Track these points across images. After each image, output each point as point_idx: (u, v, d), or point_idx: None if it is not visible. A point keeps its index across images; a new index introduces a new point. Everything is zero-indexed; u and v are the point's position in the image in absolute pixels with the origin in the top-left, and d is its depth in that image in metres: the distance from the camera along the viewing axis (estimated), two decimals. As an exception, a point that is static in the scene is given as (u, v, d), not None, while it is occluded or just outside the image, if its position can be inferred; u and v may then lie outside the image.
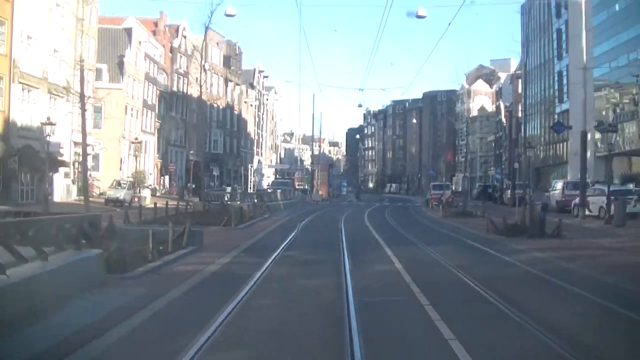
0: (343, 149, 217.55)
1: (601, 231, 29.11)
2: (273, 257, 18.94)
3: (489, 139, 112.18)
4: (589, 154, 50.29)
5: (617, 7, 55.69)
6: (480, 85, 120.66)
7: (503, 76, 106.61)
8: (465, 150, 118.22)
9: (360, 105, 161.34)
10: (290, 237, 25.57)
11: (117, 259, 13.92)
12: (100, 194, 54.32)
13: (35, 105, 46.75)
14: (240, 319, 10.75)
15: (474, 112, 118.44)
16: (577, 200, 39.32)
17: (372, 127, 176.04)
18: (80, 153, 47.10)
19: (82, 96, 37.10)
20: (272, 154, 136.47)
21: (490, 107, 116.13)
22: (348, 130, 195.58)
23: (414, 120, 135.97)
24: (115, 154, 61.66)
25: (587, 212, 37.29)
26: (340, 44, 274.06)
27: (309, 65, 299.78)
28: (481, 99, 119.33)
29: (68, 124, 51.53)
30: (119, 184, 52.49)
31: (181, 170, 77.59)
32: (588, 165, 47.95)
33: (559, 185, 48.53)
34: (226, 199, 47.63)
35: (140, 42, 66.22)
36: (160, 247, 17.73)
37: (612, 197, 33.69)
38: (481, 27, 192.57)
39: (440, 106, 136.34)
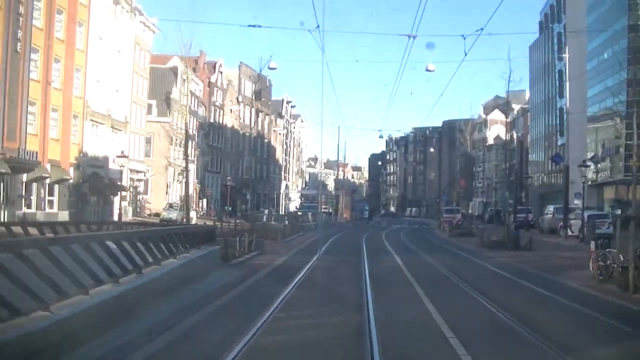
0: (365, 173, 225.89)
1: (569, 247, 37.03)
2: (315, 257, 27.62)
3: (504, 166, 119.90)
4: (582, 182, 58.09)
5: (605, 55, 64.18)
6: (497, 115, 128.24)
7: (517, 107, 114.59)
8: (482, 176, 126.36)
9: (381, 136, 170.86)
10: (325, 247, 34.00)
11: (224, 253, 22.57)
12: (152, 214, 62.80)
13: (101, 138, 55.50)
14: (305, 281, 19.30)
15: (490, 141, 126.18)
16: (562, 223, 47.56)
17: (394, 154, 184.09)
18: (134, 178, 55.75)
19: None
20: (297, 178, 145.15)
21: (505, 136, 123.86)
22: (371, 155, 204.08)
23: (432, 149, 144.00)
24: (162, 180, 70.28)
25: (569, 233, 45.39)
26: (362, 75, 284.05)
27: (332, 95, 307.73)
28: (497, 128, 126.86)
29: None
30: (171, 206, 61.24)
31: (217, 194, 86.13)
32: (582, 193, 55.80)
33: (550, 210, 56.72)
34: (264, 219, 55.95)
35: (184, 80, 75.09)
36: (240, 249, 26.41)
37: (586, 221, 41.81)
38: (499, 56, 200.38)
39: (459, 134, 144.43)
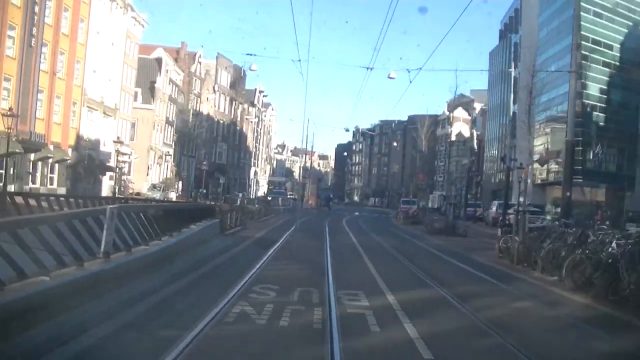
0: (332, 162, 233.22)
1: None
2: (287, 233, 35.01)
3: (464, 162, 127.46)
4: (529, 181, 65.71)
5: (552, 67, 72.16)
6: (460, 112, 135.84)
7: (479, 106, 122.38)
8: (443, 171, 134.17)
9: (347, 130, 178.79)
10: (294, 226, 41.12)
11: (221, 226, 29.90)
12: (134, 193, 69.49)
13: (94, 123, 62.26)
14: (281, 250, 26.51)
15: (453, 137, 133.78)
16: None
17: (360, 145, 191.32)
18: (119, 160, 62.77)
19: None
20: (266, 164, 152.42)
21: (467, 134, 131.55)
22: (337, 145, 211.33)
23: (395, 144, 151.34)
24: (144, 162, 77.02)
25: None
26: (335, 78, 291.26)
27: (302, 84, 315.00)
28: (459, 126, 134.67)
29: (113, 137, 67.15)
30: (154, 187, 68.19)
31: (191, 177, 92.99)
32: (528, 191, 63.37)
33: (494, 205, 64.48)
34: (238, 202, 63.01)
35: (167, 70, 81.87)
36: (230, 224, 33.77)
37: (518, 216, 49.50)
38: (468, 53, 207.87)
39: (414, 133, 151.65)
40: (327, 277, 17.84)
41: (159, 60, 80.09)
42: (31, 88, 48.95)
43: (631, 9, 75.49)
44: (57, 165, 54.69)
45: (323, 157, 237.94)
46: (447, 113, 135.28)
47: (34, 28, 48.55)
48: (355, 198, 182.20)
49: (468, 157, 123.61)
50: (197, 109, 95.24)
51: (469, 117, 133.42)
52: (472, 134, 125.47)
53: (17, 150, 44.91)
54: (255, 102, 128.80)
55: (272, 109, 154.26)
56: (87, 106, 60.11)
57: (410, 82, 39.41)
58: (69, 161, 56.17)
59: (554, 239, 22.15)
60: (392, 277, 18.85)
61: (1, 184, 38.27)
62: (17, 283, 9.12)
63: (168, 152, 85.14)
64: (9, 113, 36.77)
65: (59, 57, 54.11)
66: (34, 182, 51.02)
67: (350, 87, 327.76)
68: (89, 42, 59.01)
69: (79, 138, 58.57)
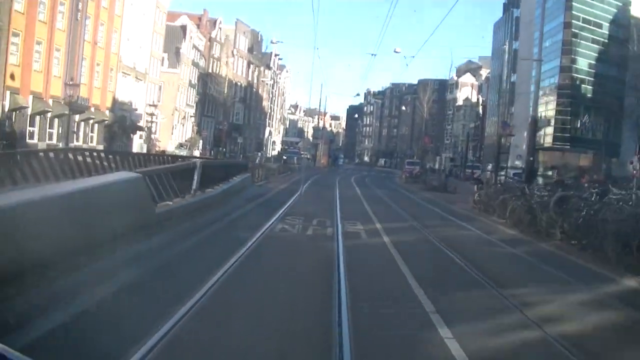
0: (343, 123, 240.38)
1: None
2: (305, 185, 42.65)
3: (471, 126, 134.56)
4: (524, 146, 73.25)
5: (547, 43, 79.48)
6: (467, 78, 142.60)
7: (485, 72, 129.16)
8: (450, 134, 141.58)
9: (357, 95, 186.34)
10: (310, 181, 48.86)
11: (254, 177, 37.57)
12: (161, 151, 77.12)
13: (127, 87, 69.70)
14: (304, 195, 34.44)
15: (460, 102, 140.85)
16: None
17: (371, 107, 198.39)
18: (148, 120, 70.59)
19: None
20: (280, 125, 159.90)
21: (474, 99, 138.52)
22: (349, 107, 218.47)
23: (403, 108, 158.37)
24: (169, 122, 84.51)
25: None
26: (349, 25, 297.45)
27: (317, 42, 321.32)
28: (467, 91, 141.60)
29: (143, 99, 74.69)
30: (181, 145, 75.80)
31: (210, 136, 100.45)
32: (523, 155, 71.03)
33: (488, 167, 72.01)
34: (257, 161, 70.63)
35: (191, 37, 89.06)
36: (258, 178, 41.46)
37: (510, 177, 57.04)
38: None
39: (432, 94, 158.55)
40: (335, 212, 25.53)
41: (183, 28, 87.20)
42: (77, 57, 56.34)
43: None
44: (96, 125, 62.21)
45: (335, 118, 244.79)
46: (455, 78, 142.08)
47: (79, 3, 55.85)
48: (366, 159, 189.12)
49: (474, 121, 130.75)
50: (218, 72, 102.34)
51: (476, 83, 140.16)
52: (478, 99, 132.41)
53: (65, 112, 52.54)
54: (271, 65, 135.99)
55: (287, 71, 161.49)
56: (122, 72, 67.45)
57: (413, 57, 46.50)
58: (106, 122, 63.65)
59: (505, 192, 29.91)
60: (381, 215, 26.37)
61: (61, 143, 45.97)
62: (162, 203, 16.84)
63: (190, 113, 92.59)
64: (71, 82, 44.32)
65: (99, 28, 61.40)
66: (77, 140, 58.58)
67: (364, 46, 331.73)
68: (124, 14, 66.23)
69: (115, 101, 65.99)
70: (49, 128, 53.77)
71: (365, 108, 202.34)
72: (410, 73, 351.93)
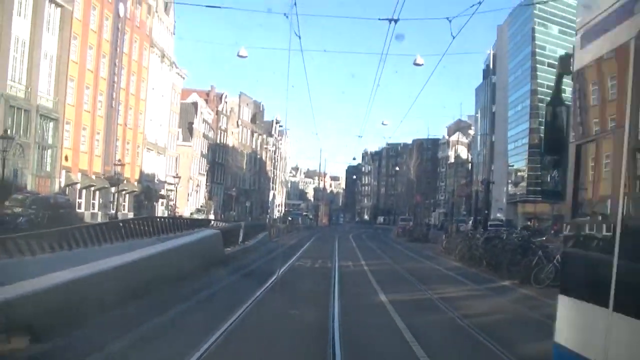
0: (343, 183, 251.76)
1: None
2: (310, 241, 53.75)
3: (462, 182, 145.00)
4: (504, 199, 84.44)
5: (519, 107, 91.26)
6: (458, 136, 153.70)
7: (472, 132, 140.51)
8: (444, 190, 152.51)
9: (354, 158, 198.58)
10: (314, 238, 60.08)
11: (268, 237, 48.60)
12: (180, 216, 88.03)
13: (151, 161, 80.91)
14: (311, 246, 45.52)
15: (452, 159, 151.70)
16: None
17: (369, 167, 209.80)
18: (167, 189, 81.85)
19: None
20: (282, 187, 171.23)
21: (465, 155, 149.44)
22: (348, 167, 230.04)
23: (397, 168, 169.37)
24: (185, 190, 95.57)
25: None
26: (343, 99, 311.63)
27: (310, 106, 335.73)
28: (460, 149, 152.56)
29: (163, 171, 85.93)
30: (198, 210, 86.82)
31: (220, 201, 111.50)
32: (503, 207, 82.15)
33: (470, 220, 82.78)
34: (266, 221, 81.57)
35: (201, 112, 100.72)
36: (272, 235, 52.48)
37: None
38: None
39: (425, 152, 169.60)
40: (335, 257, 36.39)
41: (195, 104, 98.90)
42: (112, 138, 67.65)
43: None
44: (127, 195, 73.18)
45: (335, 179, 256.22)
46: (447, 137, 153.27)
47: (113, 93, 67.36)
48: (366, 217, 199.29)
49: (465, 177, 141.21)
50: (225, 142, 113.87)
51: (466, 141, 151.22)
52: (468, 156, 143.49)
53: (106, 185, 63.72)
54: (273, 132, 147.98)
55: (287, 136, 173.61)
56: (147, 148, 78.78)
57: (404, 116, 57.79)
58: (135, 192, 74.65)
59: (463, 238, 40.88)
60: (367, 257, 37.25)
61: (112, 211, 57.00)
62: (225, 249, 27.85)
63: (202, 181, 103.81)
64: (118, 162, 55.56)
65: (129, 112, 72.84)
66: (113, 209, 69.49)
67: (359, 106, 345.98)
68: (147, 97, 77.77)
69: (141, 173, 77.16)
70: (92, 199, 64.59)
71: (363, 168, 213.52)
72: (408, 130, 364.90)
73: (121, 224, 33.49)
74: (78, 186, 61.15)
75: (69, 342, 10.37)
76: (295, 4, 22.24)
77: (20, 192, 44.90)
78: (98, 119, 64.83)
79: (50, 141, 55.26)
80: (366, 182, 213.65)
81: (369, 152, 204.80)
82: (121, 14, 67.80)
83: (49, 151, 55.77)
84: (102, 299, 12.21)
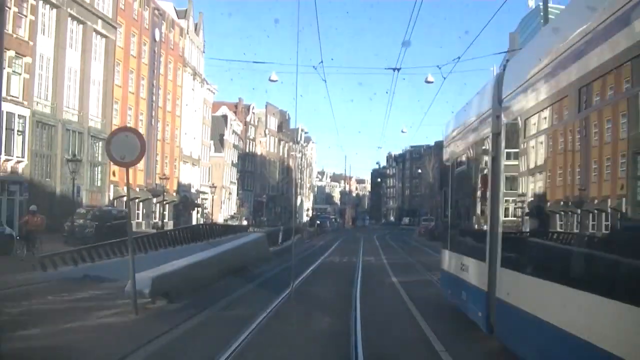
0: (368, 185, 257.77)
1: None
2: (338, 242, 60.16)
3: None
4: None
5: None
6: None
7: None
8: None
9: (378, 163, 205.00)
10: (341, 239, 66.42)
11: (301, 239, 55.09)
12: (213, 222, 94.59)
13: (186, 172, 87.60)
14: (338, 246, 51.97)
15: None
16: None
17: (393, 169, 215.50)
18: (202, 198, 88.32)
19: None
20: (309, 192, 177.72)
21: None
22: (372, 170, 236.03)
23: (419, 170, 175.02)
24: (218, 198, 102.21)
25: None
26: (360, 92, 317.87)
27: (333, 113, 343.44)
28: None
29: (198, 181, 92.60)
30: (232, 217, 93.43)
31: (250, 207, 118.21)
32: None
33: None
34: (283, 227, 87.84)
35: (231, 124, 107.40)
36: (304, 238, 59.04)
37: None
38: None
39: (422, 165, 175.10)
40: (360, 254, 42.65)
41: (224, 117, 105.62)
42: (152, 153, 74.30)
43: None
44: (167, 205, 79.80)
45: (360, 181, 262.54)
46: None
47: (152, 111, 74.07)
48: (391, 218, 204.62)
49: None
50: (253, 151, 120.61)
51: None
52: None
53: (149, 196, 70.42)
54: (299, 139, 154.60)
55: (312, 142, 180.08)
56: (183, 160, 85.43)
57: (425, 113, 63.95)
58: (175, 202, 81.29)
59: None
60: (388, 254, 43.42)
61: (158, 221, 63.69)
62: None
63: (233, 189, 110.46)
64: (164, 177, 62.24)
65: (166, 127, 79.52)
66: (155, 218, 76.13)
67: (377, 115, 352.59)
68: (182, 113, 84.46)
69: (179, 184, 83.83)
70: (137, 210, 71.21)
71: (387, 171, 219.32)
72: (430, 131, 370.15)
73: (176, 232, 40.33)
74: (124, 199, 67.71)
75: (191, 302, 16.91)
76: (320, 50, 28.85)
77: (82, 207, 51.86)
78: (140, 136, 71.37)
79: (99, 159, 61.83)
80: (391, 184, 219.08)
81: (392, 155, 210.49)
82: (157, 38, 74.62)
83: (99, 167, 62.43)
84: (207, 276, 19.10)
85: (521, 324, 9.27)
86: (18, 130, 48.45)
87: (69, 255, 24.83)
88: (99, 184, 62.71)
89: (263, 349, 12.12)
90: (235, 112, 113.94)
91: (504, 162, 10.57)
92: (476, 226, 12.95)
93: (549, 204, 8.69)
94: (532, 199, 9.45)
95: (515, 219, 10.50)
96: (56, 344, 11.81)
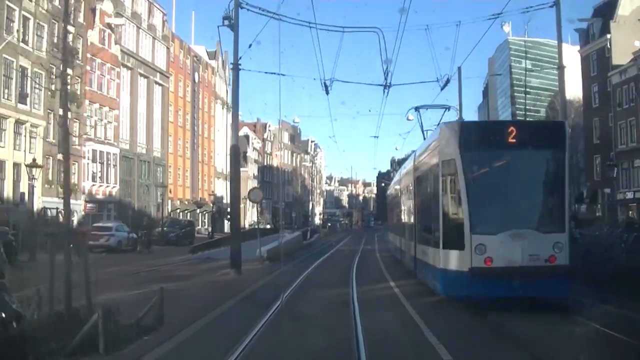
0: (375, 188, 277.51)
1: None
2: (346, 238, 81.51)
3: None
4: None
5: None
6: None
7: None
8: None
9: (374, 168, 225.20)
10: (348, 237, 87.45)
11: (319, 237, 76.01)
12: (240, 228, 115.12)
13: (219, 186, 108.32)
14: (346, 242, 73.00)
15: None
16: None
17: (396, 173, 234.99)
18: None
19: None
20: (319, 197, 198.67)
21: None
22: (378, 174, 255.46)
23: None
24: (244, 207, 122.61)
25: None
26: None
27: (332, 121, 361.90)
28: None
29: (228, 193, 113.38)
30: (258, 221, 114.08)
31: (269, 213, 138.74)
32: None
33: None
34: (311, 227, 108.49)
35: (252, 143, 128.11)
36: (321, 237, 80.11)
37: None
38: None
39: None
40: (362, 245, 63.63)
41: (246, 137, 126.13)
42: (195, 173, 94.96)
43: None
44: (206, 214, 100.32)
45: (367, 184, 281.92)
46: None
47: (195, 140, 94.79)
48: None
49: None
50: (270, 163, 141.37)
51: None
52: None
53: (195, 208, 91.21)
54: (309, 150, 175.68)
55: (321, 150, 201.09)
56: (217, 177, 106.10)
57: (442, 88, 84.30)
58: (211, 212, 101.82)
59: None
60: (379, 243, 63.36)
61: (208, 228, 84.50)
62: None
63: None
64: (212, 193, 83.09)
65: (204, 151, 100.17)
66: (199, 225, 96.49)
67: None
68: (215, 138, 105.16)
69: (215, 197, 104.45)
70: (188, 217, 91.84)
71: (391, 174, 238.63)
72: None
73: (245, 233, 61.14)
74: (178, 210, 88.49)
75: (280, 261, 37.34)
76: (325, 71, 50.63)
77: (164, 218, 72.63)
78: (186, 160, 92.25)
79: (160, 180, 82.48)
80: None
81: (396, 159, 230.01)
82: (196, 80, 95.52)
83: (158, 189, 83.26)
84: (294, 247, 40.56)
85: (423, 267, 23.09)
86: (113, 164, 69.28)
87: (197, 247, 46.06)
88: (160, 200, 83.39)
89: (319, 272, 33.52)
90: (254, 131, 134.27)
91: (416, 196, 29.57)
92: (407, 224, 33.42)
93: (415, 215, 29.98)
94: (421, 214, 29.88)
95: (420, 223, 30.62)
96: (201, 284, 31.86)
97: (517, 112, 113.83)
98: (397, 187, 36.07)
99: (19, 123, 52.41)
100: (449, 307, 18.85)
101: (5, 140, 51.14)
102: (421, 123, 30.74)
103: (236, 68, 32.63)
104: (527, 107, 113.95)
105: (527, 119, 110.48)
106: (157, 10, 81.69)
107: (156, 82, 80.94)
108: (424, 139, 28.19)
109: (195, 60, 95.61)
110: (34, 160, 42.01)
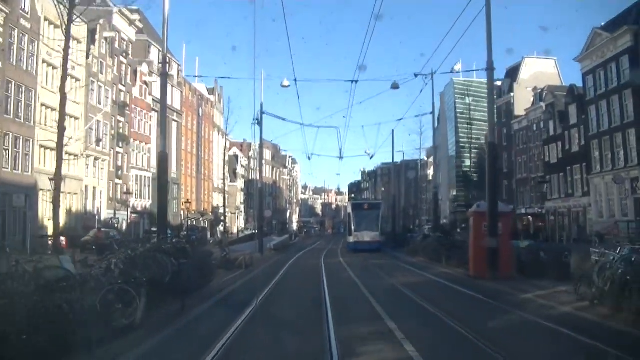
0: (347, 197, 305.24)
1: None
2: (319, 241, 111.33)
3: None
4: (447, 210, 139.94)
5: (452, 151, 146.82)
6: (432, 160, 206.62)
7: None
8: (426, 202, 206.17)
9: (338, 174, 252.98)
10: (321, 240, 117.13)
11: (299, 239, 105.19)
12: (230, 233, 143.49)
13: (215, 198, 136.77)
14: (319, 243, 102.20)
15: (430, 177, 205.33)
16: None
17: (367, 183, 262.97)
18: (226, 216, 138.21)
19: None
20: (296, 207, 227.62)
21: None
22: (349, 184, 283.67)
23: (382, 188, 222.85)
24: (234, 216, 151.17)
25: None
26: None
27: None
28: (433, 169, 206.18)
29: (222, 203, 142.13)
30: (245, 229, 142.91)
31: (254, 221, 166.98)
32: (447, 216, 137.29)
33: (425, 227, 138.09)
34: (293, 233, 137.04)
35: (240, 161, 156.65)
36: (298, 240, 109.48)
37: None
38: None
39: (411, 171, 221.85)
40: (330, 245, 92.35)
41: (235, 156, 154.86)
42: (200, 189, 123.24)
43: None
44: (207, 221, 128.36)
45: (340, 194, 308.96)
46: (425, 159, 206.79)
47: (199, 162, 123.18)
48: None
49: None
50: (254, 177, 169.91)
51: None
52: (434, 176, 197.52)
53: (199, 217, 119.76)
54: (287, 164, 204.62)
55: (297, 163, 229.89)
56: (213, 190, 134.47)
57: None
58: (211, 219, 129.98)
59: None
60: (343, 245, 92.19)
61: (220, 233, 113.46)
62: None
63: (242, 208, 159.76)
64: (217, 207, 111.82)
65: (205, 170, 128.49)
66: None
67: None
68: (212, 159, 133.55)
69: (212, 207, 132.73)
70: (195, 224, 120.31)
71: (362, 185, 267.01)
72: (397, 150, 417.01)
73: (249, 235, 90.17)
74: (191, 219, 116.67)
75: (280, 251, 66.83)
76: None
77: (184, 226, 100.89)
78: (193, 179, 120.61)
79: (175, 195, 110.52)
80: (366, 197, 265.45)
81: (366, 171, 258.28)
82: (200, 114, 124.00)
83: (175, 202, 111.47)
84: (285, 245, 70.06)
85: (346, 243, 65.93)
86: (148, 186, 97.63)
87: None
88: (175, 210, 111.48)
89: (306, 255, 64.30)
90: (241, 149, 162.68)
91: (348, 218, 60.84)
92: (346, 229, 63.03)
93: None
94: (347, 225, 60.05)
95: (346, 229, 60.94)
96: (249, 257, 60.69)
97: (460, 140, 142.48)
98: (346, 213, 67.40)
99: (96, 159, 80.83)
100: (353, 255, 53.29)
101: (89, 171, 79.28)
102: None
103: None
104: (472, 136, 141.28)
105: (470, 146, 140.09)
106: (174, 63, 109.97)
107: (173, 120, 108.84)
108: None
109: (199, 98, 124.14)
110: (128, 190, 71.12)
